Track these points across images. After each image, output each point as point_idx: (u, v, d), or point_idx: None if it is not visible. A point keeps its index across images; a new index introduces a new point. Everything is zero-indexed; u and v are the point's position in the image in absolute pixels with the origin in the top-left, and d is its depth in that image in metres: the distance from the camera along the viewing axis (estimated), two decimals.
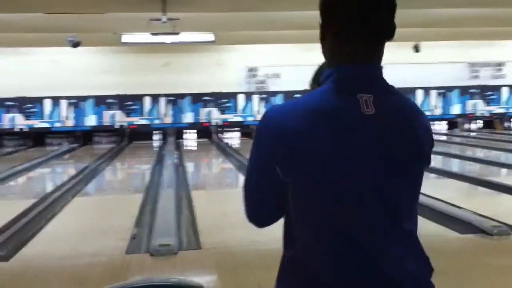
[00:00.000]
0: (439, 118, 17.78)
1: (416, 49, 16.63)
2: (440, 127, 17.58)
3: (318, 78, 1.50)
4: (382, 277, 1.22)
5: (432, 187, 7.59)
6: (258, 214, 1.37)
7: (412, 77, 17.29)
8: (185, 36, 12.16)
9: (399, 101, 1.31)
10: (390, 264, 1.23)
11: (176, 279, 1.64)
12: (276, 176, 1.27)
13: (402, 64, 17.20)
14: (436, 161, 10.97)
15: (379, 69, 1.32)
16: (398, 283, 1.24)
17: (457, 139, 15.78)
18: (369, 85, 1.28)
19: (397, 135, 1.27)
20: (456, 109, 17.96)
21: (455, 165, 10.22)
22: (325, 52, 1.34)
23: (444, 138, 15.70)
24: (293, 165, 1.24)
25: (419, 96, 17.84)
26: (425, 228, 4.56)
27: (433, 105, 17.79)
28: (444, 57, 17.01)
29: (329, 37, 1.31)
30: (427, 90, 17.79)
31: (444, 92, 17.87)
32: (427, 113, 17.41)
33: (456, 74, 17.53)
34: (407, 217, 1.31)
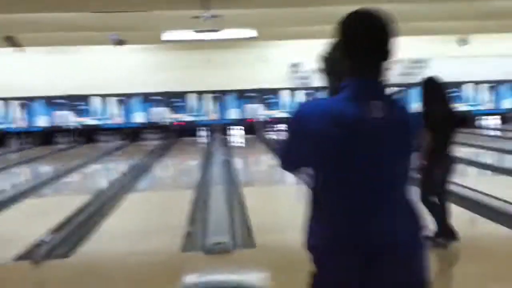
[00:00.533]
0: (491, 113, 17.37)
1: (464, 42, 16.28)
2: (493, 121, 17.16)
3: (328, 69, 1.98)
4: (380, 227, 1.74)
5: (486, 184, 7.44)
6: (287, 168, 1.95)
7: (460, 71, 16.95)
8: (229, 33, 12.20)
9: (397, 105, 1.82)
10: (386, 218, 1.75)
11: (243, 282, 1.65)
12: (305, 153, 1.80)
13: (449, 58, 16.89)
14: (490, 157, 10.73)
15: (382, 83, 1.81)
16: (392, 231, 1.75)
17: (511, 134, 15.37)
18: (378, 95, 1.78)
19: (397, 130, 1.79)
20: (507, 104, 17.50)
21: (509, 161, 9.96)
22: (343, 66, 1.79)
23: (498, 133, 15.32)
24: (319, 156, 1.77)
25: (468, 90, 17.45)
26: (480, 226, 4.49)
27: (484, 100, 17.40)
28: (494, 50, 16.59)
29: (348, 59, 1.79)
30: (476, 83, 17.41)
31: (495, 85, 17.43)
32: (478, 107, 17.18)
33: (507, 67, 17.06)
34: (401, 187, 1.81)
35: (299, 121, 1.77)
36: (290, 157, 1.86)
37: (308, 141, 1.74)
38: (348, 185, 1.74)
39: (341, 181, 1.74)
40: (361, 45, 1.75)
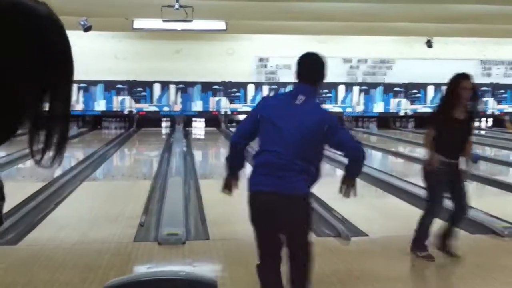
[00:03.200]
0: None
1: (429, 44, 16.51)
2: None
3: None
4: (277, 180, 3.08)
5: None
6: (234, 137, 3.39)
7: (424, 72, 17.19)
8: (197, 24, 12.11)
9: (314, 102, 3.23)
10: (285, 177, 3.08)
11: (186, 273, 1.56)
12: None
13: (414, 60, 17.13)
14: None
15: (312, 87, 3.22)
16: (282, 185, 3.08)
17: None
18: (305, 93, 3.19)
19: (305, 113, 3.12)
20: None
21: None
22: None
23: None
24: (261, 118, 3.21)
25: (430, 92, 17.72)
26: (437, 227, 4.54)
27: None
28: (456, 54, 16.87)
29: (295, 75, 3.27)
30: (438, 86, 17.71)
31: None
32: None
33: (468, 71, 17.31)
34: (303, 156, 3.09)
35: (256, 107, 3.37)
36: (242, 128, 3.35)
37: (255, 117, 3.23)
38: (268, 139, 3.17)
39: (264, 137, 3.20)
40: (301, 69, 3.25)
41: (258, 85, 17.45)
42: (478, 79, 17.05)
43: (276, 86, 17.39)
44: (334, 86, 17.58)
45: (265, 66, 17.56)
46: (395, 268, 4.20)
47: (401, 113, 17.78)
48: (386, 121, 17.64)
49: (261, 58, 17.48)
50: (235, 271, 4.16)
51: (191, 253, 4.58)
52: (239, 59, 17.13)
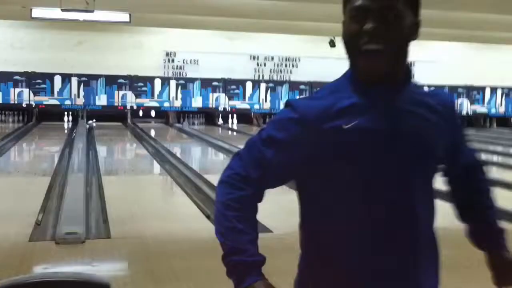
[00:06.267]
0: None
1: (332, 43, 16.96)
2: None
3: None
4: None
5: None
6: None
7: (328, 71, 17.67)
8: (99, 15, 11.74)
9: None
10: None
11: (80, 274, 1.46)
12: None
13: (319, 58, 17.56)
14: None
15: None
16: None
17: None
18: None
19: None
20: None
21: None
22: None
23: None
24: None
25: None
26: None
27: None
28: None
29: None
30: None
31: None
32: None
33: None
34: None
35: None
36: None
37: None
38: None
39: None
40: None
41: (165, 80, 17.21)
42: None
43: (183, 82, 17.23)
44: (242, 82, 17.68)
45: (172, 60, 17.34)
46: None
47: None
48: None
49: (168, 53, 17.24)
50: (136, 270, 4.05)
51: (91, 252, 4.40)
52: (146, 53, 16.81)
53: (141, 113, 17.04)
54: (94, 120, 15.49)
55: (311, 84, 18.09)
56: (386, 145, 1.31)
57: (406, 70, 1.36)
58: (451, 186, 1.56)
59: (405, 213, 1.31)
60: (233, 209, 1.32)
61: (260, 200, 1.38)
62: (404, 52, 1.33)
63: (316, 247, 1.37)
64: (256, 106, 17.96)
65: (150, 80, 17.02)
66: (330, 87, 1.42)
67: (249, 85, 17.85)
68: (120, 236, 4.85)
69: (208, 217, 5.40)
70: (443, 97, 1.45)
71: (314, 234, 1.38)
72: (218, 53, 16.80)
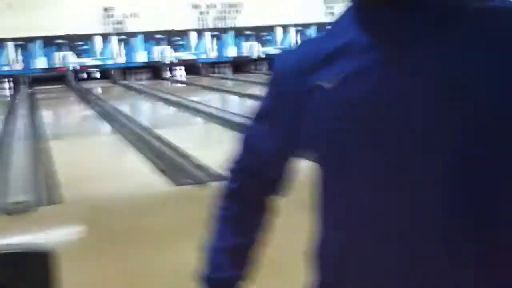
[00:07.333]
0: None
1: None
2: None
3: None
4: None
5: None
6: None
7: (272, 14, 17.41)
8: None
9: None
10: None
11: (14, 245, 1.33)
12: None
13: (262, 2, 17.25)
14: None
15: None
16: None
17: None
18: None
19: None
20: None
21: None
22: None
23: None
24: None
25: (278, 35, 18.04)
26: None
27: (293, 43, 18.07)
28: None
29: None
30: (285, 27, 18.02)
31: (302, 29, 18.16)
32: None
33: (311, 10, 17.70)
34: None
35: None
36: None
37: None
38: None
39: None
40: None
41: (106, 36, 16.62)
42: (321, 18, 17.69)
43: (125, 37, 16.69)
44: (185, 33, 17.26)
45: (112, 16, 16.71)
46: None
47: (255, 56, 17.98)
48: (241, 65, 17.75)
49: (106, 8, 16.59)
50: (90, 232, 3.94)
51: (44, 219, 4.26)
52: (83, 9, 16.12)
53: (85, 75, 16.51)
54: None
55: (256, 29, 17.83)
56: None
57: None
58: None
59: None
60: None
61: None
62: None
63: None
64: (203, 56, 17.64)
65: (90, 38, 16.41)
66: (331, 27, 0.93)
67: (193, 35, 17.45)
68: (74, 199, 4.71)
69: (163, 171, 5.30)
70: None
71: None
72: (159, 4, 16.28)
